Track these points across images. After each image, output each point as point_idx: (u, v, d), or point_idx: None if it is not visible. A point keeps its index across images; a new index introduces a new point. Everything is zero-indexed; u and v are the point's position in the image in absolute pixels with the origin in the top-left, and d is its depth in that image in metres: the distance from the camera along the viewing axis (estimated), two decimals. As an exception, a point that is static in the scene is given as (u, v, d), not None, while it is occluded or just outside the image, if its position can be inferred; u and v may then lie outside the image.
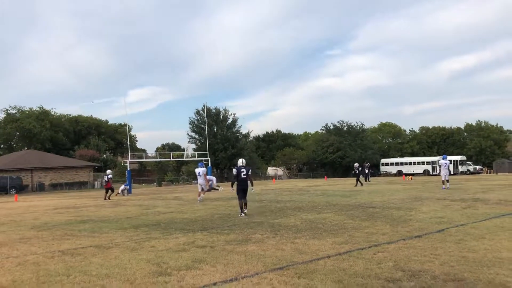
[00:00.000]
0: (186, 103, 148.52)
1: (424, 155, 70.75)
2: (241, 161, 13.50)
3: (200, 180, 19.83)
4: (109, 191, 25.63)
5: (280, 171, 70.61)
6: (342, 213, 12.79)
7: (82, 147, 66.89)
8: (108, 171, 26.81)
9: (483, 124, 75.90)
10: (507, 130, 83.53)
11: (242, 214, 12.88)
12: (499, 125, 76.64)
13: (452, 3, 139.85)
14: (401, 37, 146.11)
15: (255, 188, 31.01)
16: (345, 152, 65.63)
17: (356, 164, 32.02)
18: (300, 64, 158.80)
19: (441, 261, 6.13)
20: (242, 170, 12.99)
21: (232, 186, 13.47)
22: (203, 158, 45.97)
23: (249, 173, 13.16)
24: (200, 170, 19.73)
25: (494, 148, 71.08)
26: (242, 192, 13.02)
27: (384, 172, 64.41)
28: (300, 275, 5.64)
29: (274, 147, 75.57)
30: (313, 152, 69.70)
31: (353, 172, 30.81)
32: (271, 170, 70.68)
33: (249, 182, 13.13)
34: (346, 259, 6.47)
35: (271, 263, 6.39)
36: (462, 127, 78.59)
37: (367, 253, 6.86)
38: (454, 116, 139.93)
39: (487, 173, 58.76)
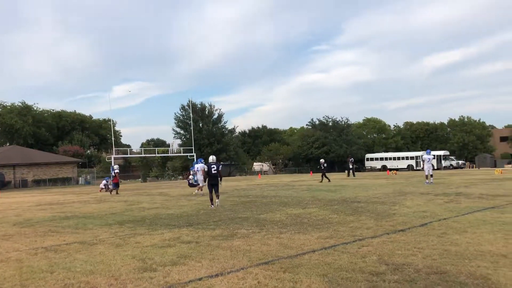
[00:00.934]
0: (171, 98, 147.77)
1: (408, 150, 71.48)
2: (211, 158, 14.71)
3: (198, 175, 20.42)
4: (116, 186, 25.25)
5: (265, 166, 70.76)
6: (327, 208, 12.88)
7: (66, 143, 66.13)
8: (116, 166, 26.43)
9: (466, 119, 76.91)
10: (489, 125, 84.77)
11: (212, 206, 14.09)
12: (481, 121, 77.81)
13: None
14: (386, 32, 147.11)
15: (241, 184, 31.10)
16: (330, 147, 65.98)
17: (322, 160, 31.81)
18: (286, 59, 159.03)
19: (424, 255, 6.22)
20: (212, 166, 14.24)
21: (204, 181, 14.65)
22: (188, 154, 45.90)
23: (219, 169, 14.37)
24: (199, 166, 20.35)
25: (476, 143, 72.10)
26: (212, 186, 14.24)
27: (369, 167, 64.93)
28: (285, 269, 5.68)
29: (260, 143, 75.60)
30: (299, 147, 69.91)
31: (318, 167, 30.68)
32: (257, 166, 70.79)
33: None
34: (331, 253, 6.53)
35: (256, 258, 6.41)
36: (446, 122, 79.57)
37: (351, 247, 6.93)
38: (437, 111, 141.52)
39: (469, 167, 59.62)
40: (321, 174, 30.56)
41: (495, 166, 55.01)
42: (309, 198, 16.36)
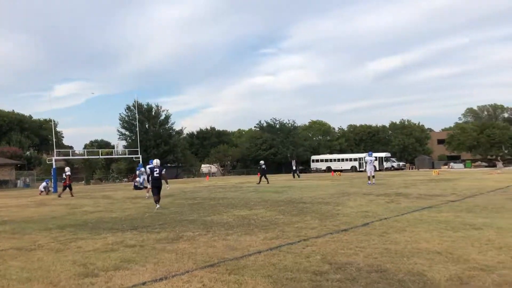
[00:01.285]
0: (116, 98, 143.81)
1: (352, 152, 73.53)
2: (155, 162, 14.87)
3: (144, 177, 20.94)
4: (68, 188, 24.18)
5: (214, 168, 70.48)
6: (274, 208, 13.02)
7: (4, 144, 62.67)
8: (67, 168, 25.29)
9: (406, 122, 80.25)
10: (428, 128, 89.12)
11: (158, 205, 14.25)
12: (420, 124, 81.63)
13: (381, 5, 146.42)
14: (332, 37, 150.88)
15: (188, 186, 30.79)
16: (278, 149, 66.80)
17: (261, 162, 31.83)
18: (235, 61, 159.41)
19: (365, 254, 6.42)
20: (155, 169, 14.41)
21: (148, 184, 14.89)
22: (133, 156, 44.84)
23: (163, 172, 14.56)
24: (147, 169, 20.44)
25: (416, 145, 75.44)
26: (155, 189, 14.41)
27: (315, 169, 66.28)
28: (230, 271, 5.68)
29: (208, 144, 75.12)
30: (247, 149, 70.24)
31: (258, 168, 30.72)
32: (205, 167, 70.34)
33: (163, 180, 14.48)
34: (276, 254, 6.60)
35: (202, 261, 6.37)
36: (387, 125, 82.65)
37: (296, 248, 7.04)
38: (380, 114, 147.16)
39: (409, 169, 62.30)
40: (260, 175, 30.17)
41: (433, 167, 57.75)
42: (256, 199, 16.47)
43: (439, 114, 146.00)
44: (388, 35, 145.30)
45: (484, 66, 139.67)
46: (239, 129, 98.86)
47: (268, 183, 28.48)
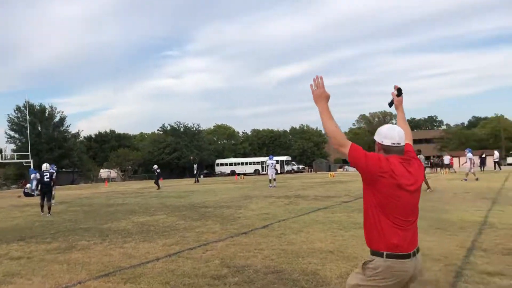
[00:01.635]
0: (4, 98, 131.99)
1: (255, 155, 75.18)
2: (44, 166, 15.13)
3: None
4: None
5: (113, 173, 67.64)
6: (175, 214, 12.83)
7: None
8: None
9: (305, 127, 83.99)
10: (325, 133, 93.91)
11: (42, 213, 14.06)
12: (318, 129, 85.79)
13: (285, 14, 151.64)
14: (237, 42, 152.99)
15: (85, 192, 29.20)
16: (182, 153, 66.04)
17: (155, 166, 31.32)
18: (137, 62, 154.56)
19: (263, 255, 6.57)
20: (45, 174, 14.44)
21: (36, 189, 15.06)
22: (24, 160, 41.62)
23: (53, 177, 14.81)
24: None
25: (314, 149, 79.18)
26: (44, 194, 14.29)
27: (219, 172, 66.62)
28: (126, 280, 5.48)
29: (108, 148, 71.95)
30: (149, 153, 68.52)
31: (154, 172, 30.13)
32: (103, 172, 67.18)
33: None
34: (175, 260, 6.50)
35: (96, 270, 6.07)
36: (288, 130, 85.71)
37: (196, 253, 7.00)
38: (281, 119, 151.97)
39: (308, 172, 65.16)
40: (156, 180, 29.19)
41: (330, 170, 61.03)
42: (158, 205, 16.10)
43: (336, 119, 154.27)
44: (290, 43, 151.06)
45: (375, 76, 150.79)
46: (141, 133, 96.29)
47: (158, 188, 27.42)
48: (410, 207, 2.72)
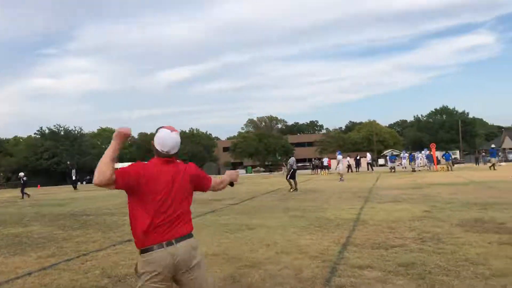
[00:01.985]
0: None
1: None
2: None
3: None
4: None
5: (-19, 181, 61.08)
6: (53, 224, 11.95)
7: None
8: None
9: (195, 131, 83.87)
10: (215, 137, 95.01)
11: None
12: (208, 133, 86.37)
13: (173, 18, 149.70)
14: (124, 43, 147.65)
15: None
16: (62, 158, 61.86)
17: (21, 174, 29.44)
18: (9, 59, 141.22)
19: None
20: None
21: None
22: None
23: None
24: None
25: (204, 153, 79.38)
26: None
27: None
28: (-9, 299, 5.00)
29: (-26, 153, 64.93)
30: (25, 158, 63.07)
31: (20, 180, 28.04)
32: (-31, 180, 60.36)
33: None
34: (50, 273, 6.07)
35: (-46, 291, 5.44)
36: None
37: (74, 264, 6.60)
38: (172, 122, 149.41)
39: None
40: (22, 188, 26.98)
41: (219, 173, 61.70)
42: (33, 215, 14.85)
43: (225, 123, 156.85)
44: (180, 46, 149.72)
45: (264, 81, 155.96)
46: (16, 136, 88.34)
47: (22, 198, 25.32)
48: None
